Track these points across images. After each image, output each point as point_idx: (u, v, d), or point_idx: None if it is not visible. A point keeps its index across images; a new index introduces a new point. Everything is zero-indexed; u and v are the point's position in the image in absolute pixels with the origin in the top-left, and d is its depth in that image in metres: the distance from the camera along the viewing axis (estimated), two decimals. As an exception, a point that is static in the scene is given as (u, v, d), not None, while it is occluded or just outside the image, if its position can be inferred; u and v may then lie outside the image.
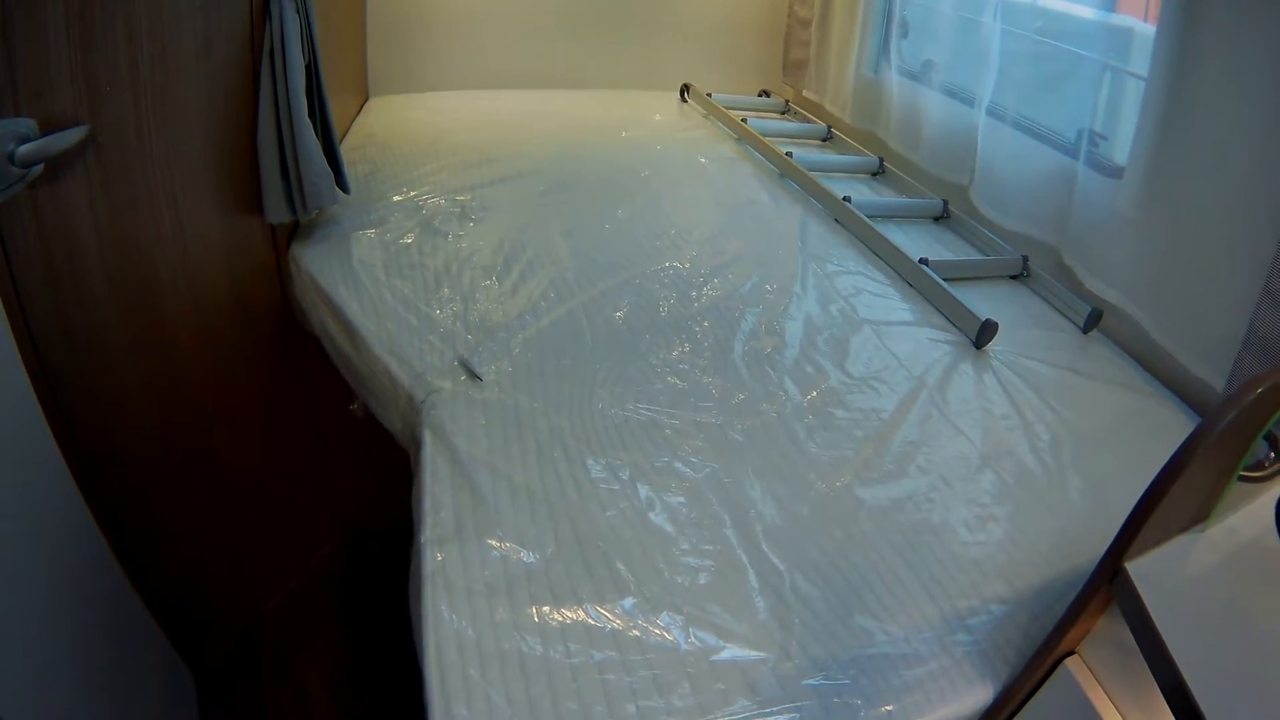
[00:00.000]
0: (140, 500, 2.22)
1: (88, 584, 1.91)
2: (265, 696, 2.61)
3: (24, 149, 1.72)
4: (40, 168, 1.77)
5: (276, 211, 2.34)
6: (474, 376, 1.97)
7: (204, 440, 2.41)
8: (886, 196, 3.45)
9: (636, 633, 1.42)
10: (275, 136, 2.24)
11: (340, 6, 3.26)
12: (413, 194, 2.85)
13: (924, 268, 2.63)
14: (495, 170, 3.09)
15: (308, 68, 2.24)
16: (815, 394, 2.10)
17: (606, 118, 3.94)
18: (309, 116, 2.24)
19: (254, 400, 2.58)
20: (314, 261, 2.41)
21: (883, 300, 2.62)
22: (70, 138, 1.80)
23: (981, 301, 2.52)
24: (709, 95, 4.12)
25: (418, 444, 1.80)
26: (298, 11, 2.21)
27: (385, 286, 2.30)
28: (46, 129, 1.76)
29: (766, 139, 3.62)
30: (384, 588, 2.74)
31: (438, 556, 1.49)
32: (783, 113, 4.40)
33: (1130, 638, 1.16)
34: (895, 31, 3.65)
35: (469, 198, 2.84)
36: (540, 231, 2.70)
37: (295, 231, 2.56)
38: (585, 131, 3.72)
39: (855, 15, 3.80)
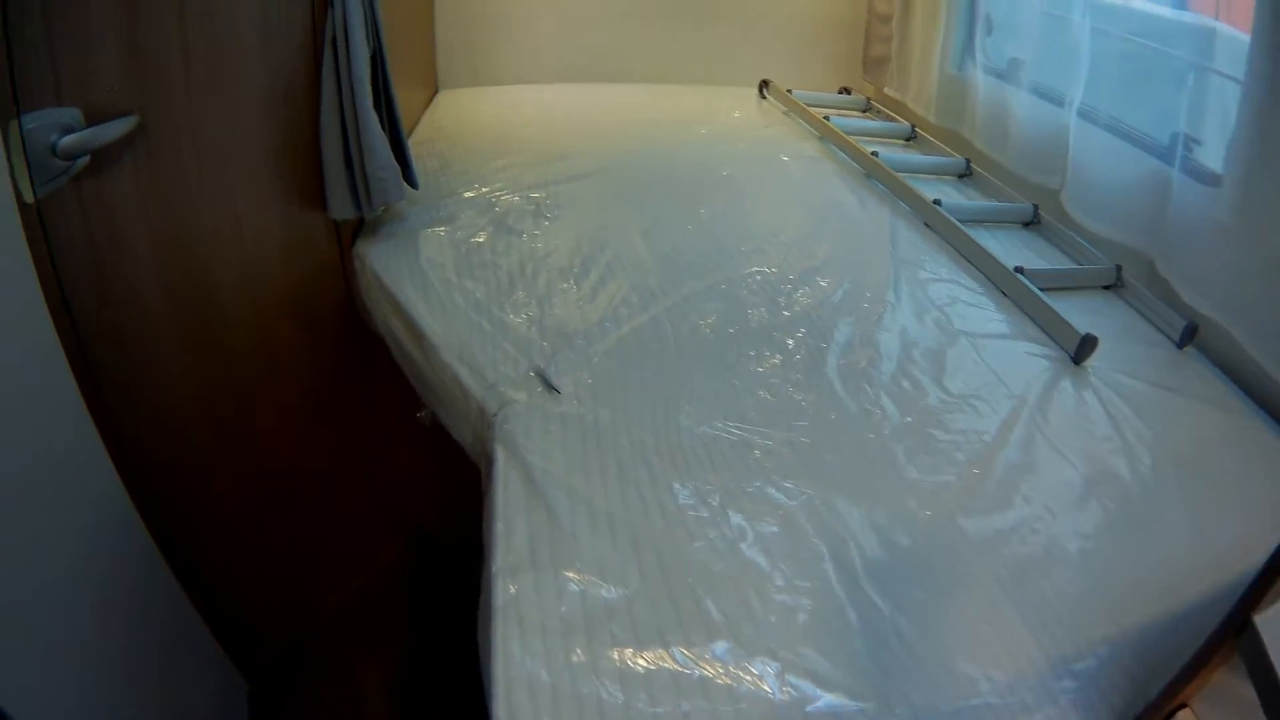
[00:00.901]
0: (190, 501, 2.13)
1: (136, 586, 1.85)
2: (319, 703, 2.53)
3: (67, 140, 1.61)
4: (85, 160, 1.67)
5: (341, 207, 2.21)
6: (551, 389, 1.84)
7: (259, 440, 2.32)
8: (975, 200, 3.23)
9: (727, 680, 1.28)
10: (339, 128, 2.12)
11: (409, -3, 3.08)
12: (484, 190, 2.71)
13: (1020, 277, 2.46)
14: (570, 167, 2.93)
15: (373, 57, 2.11)
16: (914, 412, 1.96)
17: (684, 114, 3.77)
18: (374, 108, 2.10)
19: (314, 401, 2.48)
20: (380, 260, 2.29)
21: (977, 310, 2.46)
22: (117, 129, 1.69)
23: (1075, 313, 2.35)
24: (789, 91, 3.94)
25: (489, 460, 1.67)
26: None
27: (456, 288, 2.17)
28: (92, 119, 1.65)
29: (850, 137, 3.43)
30: (446, 596, 2.62)
31: (510, 589, 1.36)
32: (864, 110, 4.20)
33: (1249, 692, 1.04)
34: (979, 28, 3.46)
35: (544, 195, 2.68)
36: (619, 232, 2.55)
37: (360, 228, 2.44)
38: (662, 128, 3.54)
39: (937, 11, 3.61)
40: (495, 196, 2.66)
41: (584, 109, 3.64)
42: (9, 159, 1.51)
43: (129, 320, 1.89)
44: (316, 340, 2.41)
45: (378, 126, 2.15)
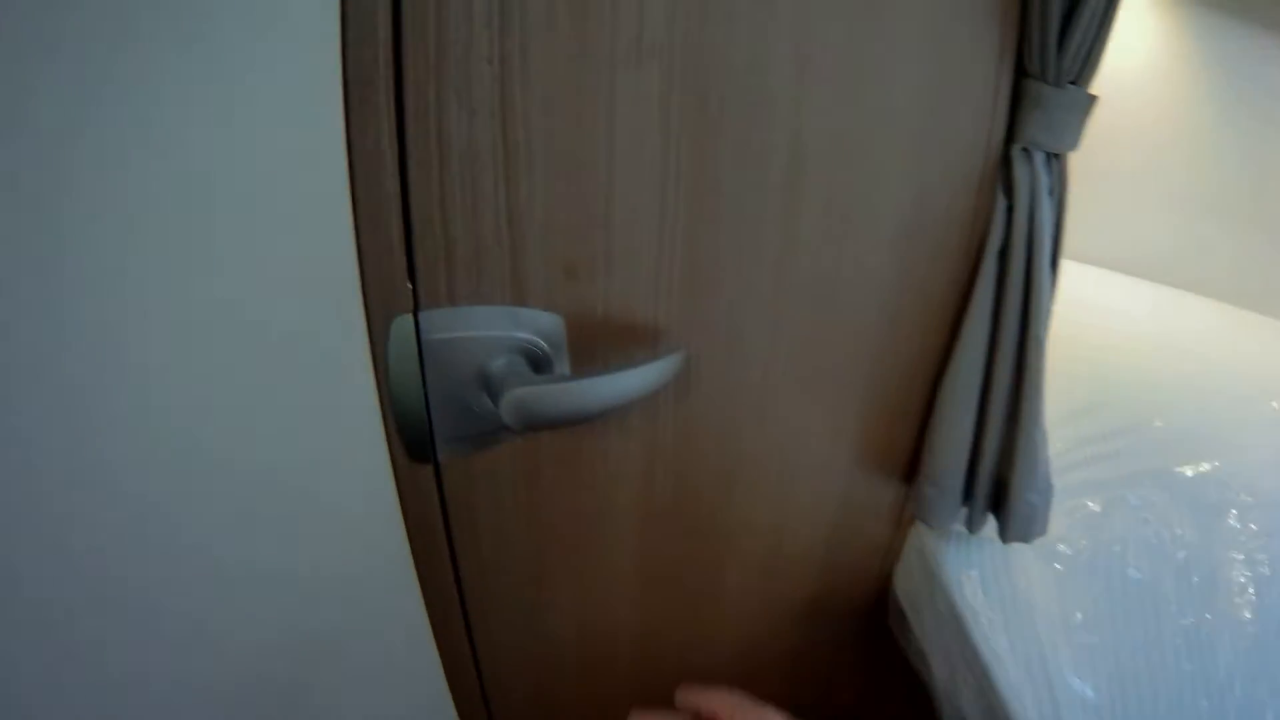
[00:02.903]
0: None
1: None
2: None
3: (523, 397, 0.41)
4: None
5: (936, 512, 1.00)
6: None
7: None
8: None
9: None
10: (974, 405, 0.93)
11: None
12: (1091, 478, 1.27)
13: None
14: (1184, 474, 1.39)
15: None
16: None
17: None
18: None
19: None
20: (956, 571, 1.07)
21: None
22: (641, 381, 0.50)
23: None
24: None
25: None
26: (1051, 191, 0.85)
27: (1089, 694, 0.93)
28: (580, 346, 0.60)
29: None
30: None
31: None
32: None
33: None
34: None
35: (1179, 529, 1.22)
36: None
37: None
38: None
39: None
40: (1114, 516, 1.22)
41: (1166, 334, 1.89)
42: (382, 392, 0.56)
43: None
44: (820, 638, 1.20)
45: (1044, 427, 0.95)
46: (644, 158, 0.56)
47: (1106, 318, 1.82)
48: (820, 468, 0.93)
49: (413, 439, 0.57)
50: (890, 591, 1.21)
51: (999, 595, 1.07)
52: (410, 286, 0.52)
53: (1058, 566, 1.13)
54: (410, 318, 0.53)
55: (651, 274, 0.61)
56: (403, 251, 0.51)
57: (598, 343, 0.61)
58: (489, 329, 0.55)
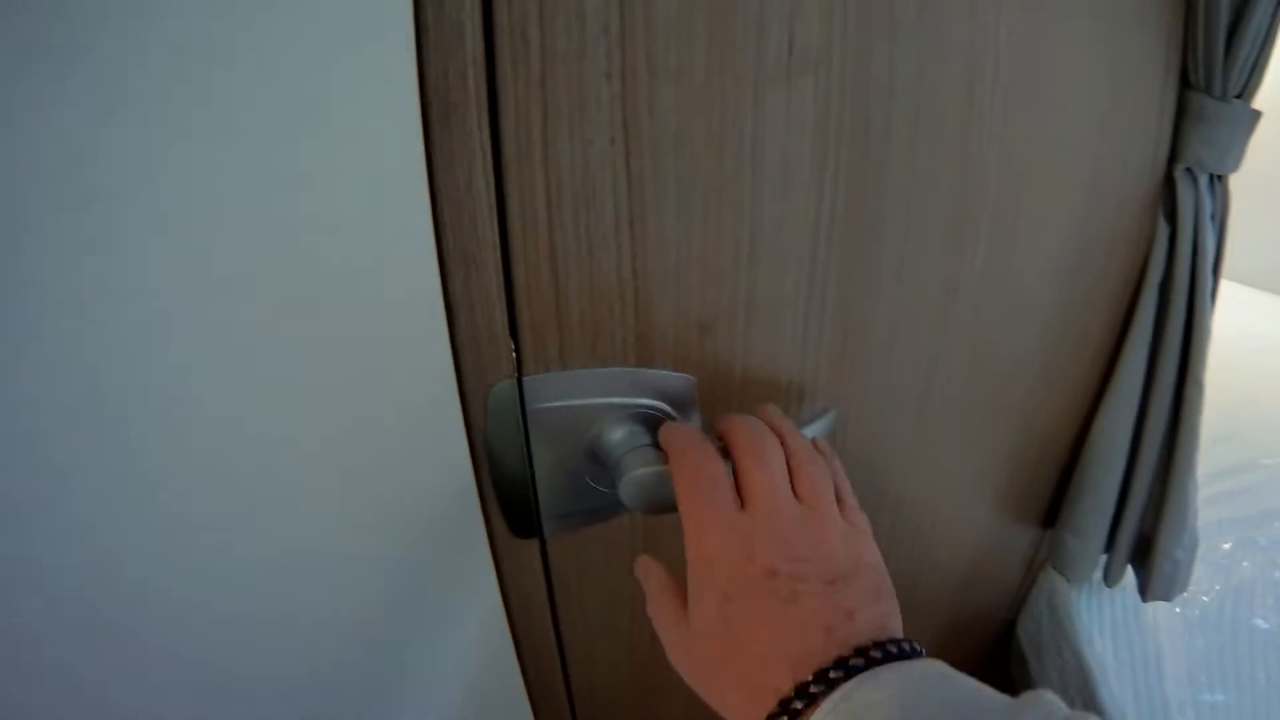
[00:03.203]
0: None
1: None
2: None
3: (646, 480, 0.29)
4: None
5: (1078, 563, 0.89)
6: None
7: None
8: None
9: None
10: (1126, 443, 0.80)
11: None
12: (1218, 523, 1.14)
13: None
14: None
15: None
16: None
17: None
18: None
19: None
20: (1087, 622, 0.96)
21: None
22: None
23: None
24: None
25: None
26: (1213, 216, 0.74)
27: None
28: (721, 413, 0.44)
29: None
30: None
31: None
32: None
33: None
34: None
35: None
36: None
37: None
38: None
39: None
40: (1243, 559, 1.08)
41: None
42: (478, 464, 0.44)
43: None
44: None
45: (1196, 477, 0.83)
46: (795, 191, 0.45)
47: (1230, 336, 1.63)
48: (961, 517, 0.82)
49: (516, 515, 0.47)
50: (1013, 636, 1.10)
51: (1128, 649, 0.98)
52: (513, 348, 0.42)
53: (1187, 614, 1.02)
54: (513, 383, 0.43)
55: (799, 325, 0.50)
56: (503, 308, 0.41)
57: (734, 404, 0.50)
58: (607, 395, 0.45)
